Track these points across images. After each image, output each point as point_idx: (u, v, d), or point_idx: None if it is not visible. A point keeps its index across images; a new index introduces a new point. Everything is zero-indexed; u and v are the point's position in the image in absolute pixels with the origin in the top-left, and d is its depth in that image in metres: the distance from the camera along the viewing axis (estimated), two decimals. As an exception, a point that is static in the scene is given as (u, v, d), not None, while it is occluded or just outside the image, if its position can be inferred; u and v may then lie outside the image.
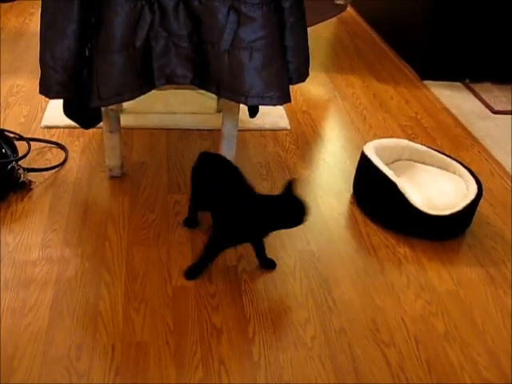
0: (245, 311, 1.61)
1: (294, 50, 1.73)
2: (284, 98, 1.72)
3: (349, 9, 4.00)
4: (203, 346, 1.50)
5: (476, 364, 1.53)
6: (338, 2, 2.88)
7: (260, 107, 2.06)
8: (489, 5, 2.94)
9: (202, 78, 1.74)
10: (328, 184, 2.18)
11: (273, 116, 2.53)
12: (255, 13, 1.59)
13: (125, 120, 2.23)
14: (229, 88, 1.68)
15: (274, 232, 1.69)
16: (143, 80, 1.73)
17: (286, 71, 1.73)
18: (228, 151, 2.08)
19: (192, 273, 1.71)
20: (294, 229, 1.61)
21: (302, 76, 1.81)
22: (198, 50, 1.69)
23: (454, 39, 3.02)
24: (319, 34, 3.52)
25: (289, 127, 2.49)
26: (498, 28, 3.02)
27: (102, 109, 1.92)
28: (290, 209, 1.56)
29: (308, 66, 1.84)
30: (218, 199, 1.69)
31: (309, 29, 1.84)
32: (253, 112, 2.04)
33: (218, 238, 1.69)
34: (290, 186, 1.57)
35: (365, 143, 2.11)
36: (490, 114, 2.82)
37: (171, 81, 1.74)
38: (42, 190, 2.00)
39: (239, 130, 2.10)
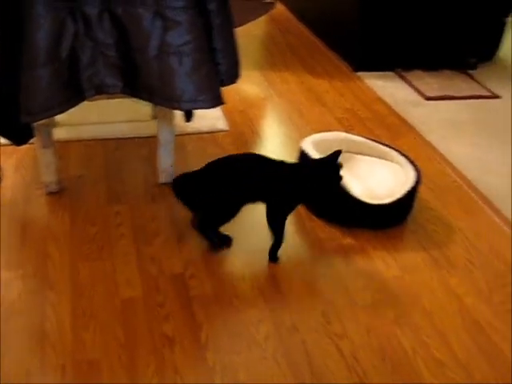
0: (196, 317, 1.59)
1: (223, 52, 1.72)
2: (216, 101, 1.71)
3: (279, 6, 4.02)
4: (156, 356, 1.48)
5: (427, 346, 1.56)
6: (266, 1, 2.89)
7: (196, 111, 2.05)
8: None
9: (133, 86, 1.72)
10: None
11: (210, 118, 2.51)
12: (180, 17, 1.57)
13: (59, 133, 2.18)
14: (161, 94, 1.67)
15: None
16: (72, 92, 1.69)
17: (216, 73, 1.72)
18: (166, 158, 2.06)
19: (275, 254, 1.80)
20: (241, 229, 1.61)
21: (234, 77, 1.81)
22: (127, 57, 1.67)
23: (383, 30, 3.07)
24: (251, 33, 3.52)
25: (227, 128, 2.48)
26: (425, 16, 3.09)
27: (34, 124, 1.87)
28: (330, 172, 1.77)
29: (238, 66, 1.84)
30: (262, 183, 1.74)
31: (240, 28, 1.84)
32: (188, 116, 2.03)
33: (280, 210, 1.79)
34: (335, 155, 1.75)
35: (303, 138, 2.12)
36: (423, 100, 2.89)
37: (101, 91, 1.71)
38: (-23, 213, 1.94)
39: (177, 135, 2.08)
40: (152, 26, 1.58)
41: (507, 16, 3.37)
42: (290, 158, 2.27)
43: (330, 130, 2.49)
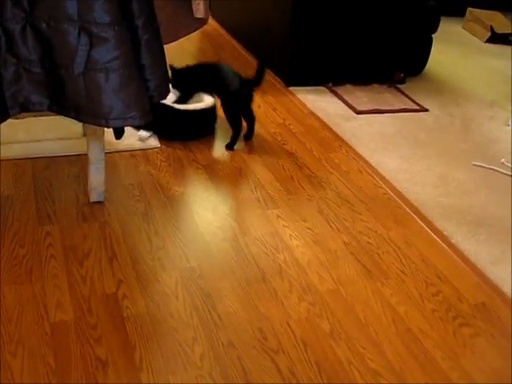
0: (129, 338, 1.56)
1: (152, 68, 1.70)
2: (146, 117, 1.69)
3: (212, 22, 4.03)
4: (89, 380, 1.43)
5: (362, 357, 1.57)
6: (198, 16, 2.89)
7: (127, 128, 2.02)
8: (344, 12, 3.08)
9: (60, 104, 1.67)
10: (202, 198, 2.17)
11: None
12: (107, 33, 1.55)
13: (-16, 153, 2.11)
14: (88, 112, 1.63)
15: (152, 255, 1.64)
16: (-4, 110, 1.64)
17: (145, 90, 1.70)
18: (96, 176, 2.02)
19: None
20: (172, 247, 1.59)
21: (163, 93, 1.79)
22: (52, 74, 1.63)
23: (314, 45, 3.12)
24: (183, 49, 3.51)
25: (159, 145, 2.46)
26: (355, 32, 3.16)
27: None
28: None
29: (168, 82, 1.82)
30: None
31: (172, 44, 1.83)
32: (118, 134, 2.00)
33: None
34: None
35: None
36: (354, 114, 2.94)
37: (26, 108, 1.66)
38: None
39: (109, 153, 2.05)
40: (77, 42, 1.55)
41: (435, 32, 3.49)
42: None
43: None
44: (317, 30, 3.09)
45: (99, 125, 1.67)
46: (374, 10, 3.16)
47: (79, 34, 1.55)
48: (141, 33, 1.64)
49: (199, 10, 2.85)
